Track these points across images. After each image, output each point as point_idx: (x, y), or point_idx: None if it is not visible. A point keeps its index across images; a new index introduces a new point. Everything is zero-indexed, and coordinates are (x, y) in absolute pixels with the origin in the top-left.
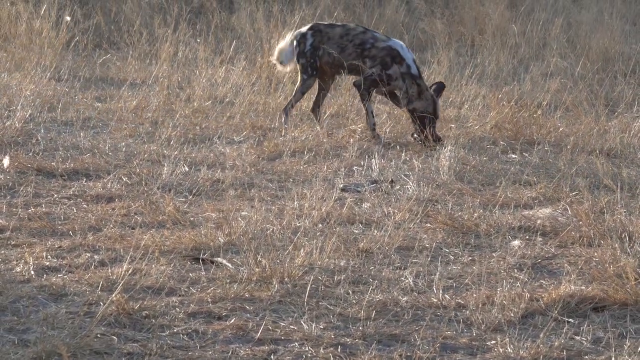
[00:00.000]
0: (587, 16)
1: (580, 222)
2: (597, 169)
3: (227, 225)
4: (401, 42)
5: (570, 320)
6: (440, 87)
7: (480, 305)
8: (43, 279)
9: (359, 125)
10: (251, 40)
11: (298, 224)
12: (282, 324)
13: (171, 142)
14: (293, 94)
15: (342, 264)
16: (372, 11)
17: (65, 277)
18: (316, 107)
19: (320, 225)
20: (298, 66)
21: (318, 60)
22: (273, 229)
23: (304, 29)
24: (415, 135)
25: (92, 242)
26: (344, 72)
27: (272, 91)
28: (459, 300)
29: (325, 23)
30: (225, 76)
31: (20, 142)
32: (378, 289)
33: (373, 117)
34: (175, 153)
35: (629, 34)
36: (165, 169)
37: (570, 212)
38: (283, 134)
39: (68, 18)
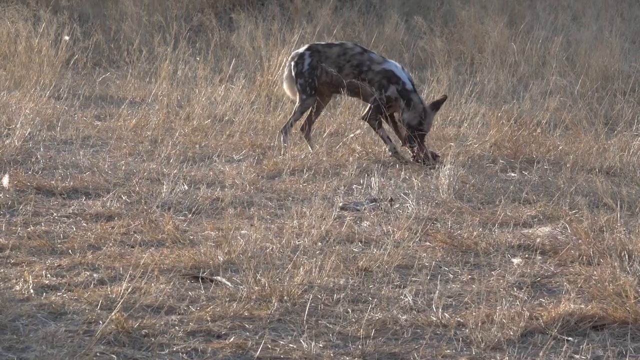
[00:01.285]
0: (586, 34)
1: (580, 241)
2: (596, 188)
3: (226, 243)
4: (396, 63)
5: (570, 338)
6: (440, 100)
7: (479, 324)
8: (42, 298)
9: (358, 144)
10: (251, 58)
11: (297, 243)
12: (281, 342)
13: (171, 161)
14: (292, 113)
15: (341, 282)
16: (371, 29)
17: (64, 295)
18: (307, 127)
19: (319, 243)
20: (296, 86)
21: (316, 80)
22: (272, 247)
23: (301, 49)
24: (407, 145)
25: (92, 260)
26: (343, 91)
27: (271, 110)
28: (459, 319)
29: (323, 43)
30: (224, 94)
31: (20, 161)
32: (377, 308)
33: (390, 141)
34: (175, 171)
35: (629, 52)
36: (165, 187)
37: (569, 231)
38: (282, 152)
39: (67, 37)
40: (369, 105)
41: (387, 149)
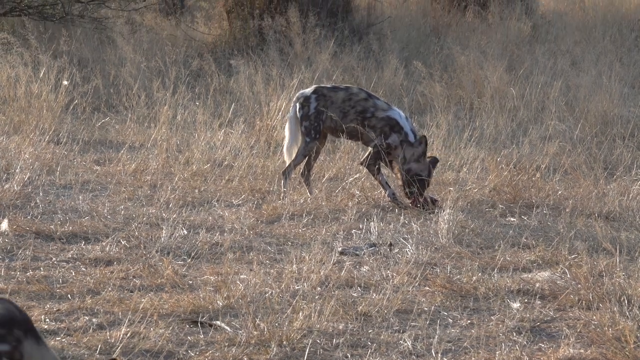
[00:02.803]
0: (585, 79)
1: (579, 286)
2: (595, 232)
3: (225, 288)
4: (400, 111)
5: None
6: (433, 162)
7: None
8: None
9: (357, 189)
10: (250, 103)
11: (297, 287)
12: None
13: (170, 205)
14: (294, 156)
15: (340, 327)
16: (370, 74)
17: (63, 340)
18: (307, 171)
19: (318, 288)
20: (301, 128)
21: (322, 124)
22: (272, 292)
23: (307, 91)
24: (407, 192)
25: (91, 305)
26: (343, 135)
27: (271, 154)
28: None
29: (329, 86)
30: (224, 139)
31: (19, 205)
32: (377, 353)
33: (389, 187)
34: (174, 216)
35: (628, 97)
36: (164, 232)
37: (569, 275)
38: (282, 197)
39: (66, 83)
40: (369, 150)
41: (385, 195)
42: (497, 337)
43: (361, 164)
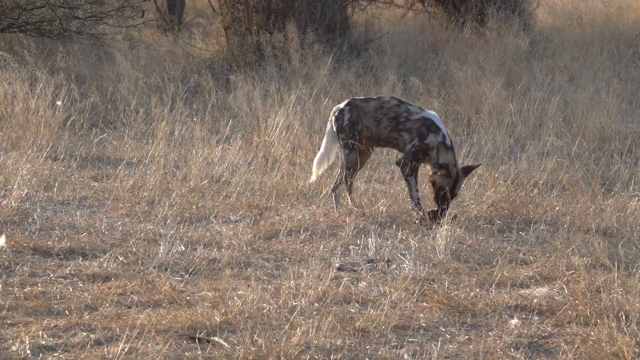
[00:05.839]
0: (583, 95)
1: (577, 301)
2: (593, 248)
3: (223, 304)
4: (434, 113)
5: None
6: (470, 168)
7: None
8: (39, 359)
9: (355, 204)
10: (248, 119)
11: (294, 303)
12: None
13: (167, 221)
14: (340, 171)
15: (338, 343)
16: (368, 90)
17: (61, 356)
18: (347, 182)
19: (316, 304)
20: (340, 142)
21: (357, 135)
22: (269, 308)
23: (341, 104)
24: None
25: (88, 321)
26: (380, 144)
27: (268, 170)
28: None
29: (361, 98)
30: (221, 155)
31: (17, 221)
32: None
33: (417, 192)
34: (172, 232)
35: (626, 113)
36: (162, 248)
37: (566, 291)
38: (336, 213)
39: (59, 102)
40: (407, 151)
41: (411, 197)
42: (495, 353)
43: (396, 164)
